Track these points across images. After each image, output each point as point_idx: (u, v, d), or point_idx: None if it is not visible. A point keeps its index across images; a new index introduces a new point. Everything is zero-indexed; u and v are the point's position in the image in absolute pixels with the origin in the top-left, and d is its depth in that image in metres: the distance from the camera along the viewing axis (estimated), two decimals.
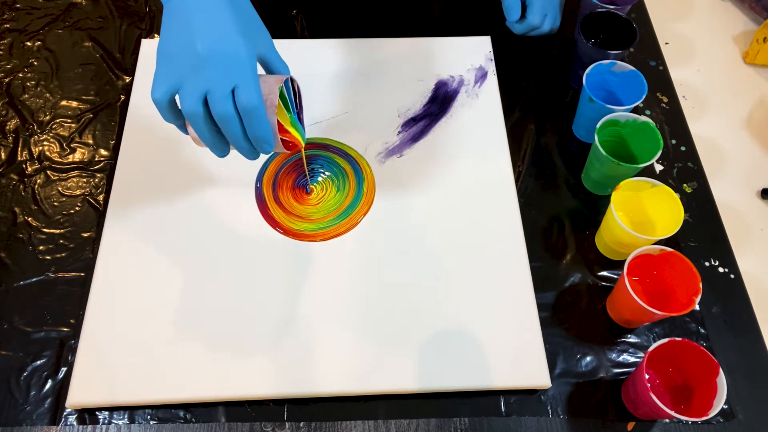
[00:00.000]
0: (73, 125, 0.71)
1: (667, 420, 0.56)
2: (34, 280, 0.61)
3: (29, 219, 0.65)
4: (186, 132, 0.51)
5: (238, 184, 0.66)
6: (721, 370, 0.50)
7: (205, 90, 0.45)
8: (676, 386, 0.55)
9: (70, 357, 0.57)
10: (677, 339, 0.51)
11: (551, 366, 0.58)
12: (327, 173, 0.67)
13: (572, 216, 0.67)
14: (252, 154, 0.50)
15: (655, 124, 0.63)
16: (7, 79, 0.75)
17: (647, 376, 0.53)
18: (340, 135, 0.69)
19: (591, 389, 0.58)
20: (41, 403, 0.56)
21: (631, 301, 0.53)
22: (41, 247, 0.63)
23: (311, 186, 0.66)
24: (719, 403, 0.49)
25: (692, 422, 0.56)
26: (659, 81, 0.78)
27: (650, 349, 0.50)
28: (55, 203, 0.66)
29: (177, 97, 0.47)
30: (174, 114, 0.49)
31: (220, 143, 0.49)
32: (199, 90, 0.45)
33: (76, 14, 0.81)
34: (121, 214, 0.63)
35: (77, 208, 0.66)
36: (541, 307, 0.61)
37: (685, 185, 0.70)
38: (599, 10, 0.71)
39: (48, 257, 0.63)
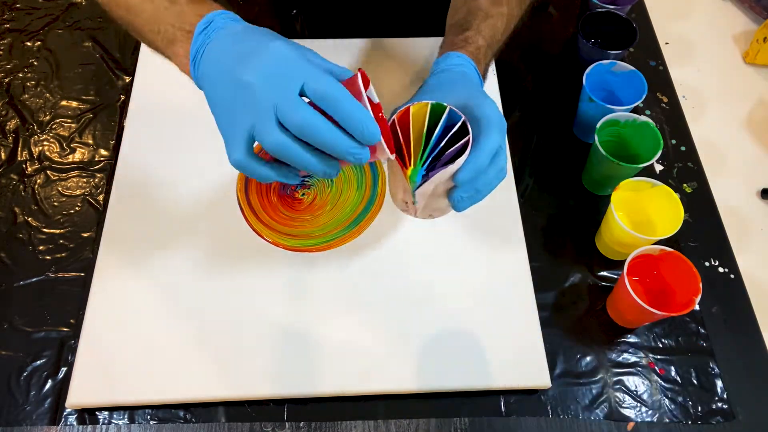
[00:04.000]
0: (73, 125, 0.71)
1: (667, 420, 0.56)
2: (34, 280, 0.61)
3: (29, 219, 0.65)
4: (297, 180, 0.46)
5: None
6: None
7: (274, 111, 0.40)
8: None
9: (70, 357, 0.57)
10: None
11: (551, 366, 0.58)
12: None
13: (572, 216, 0.67)
14: (357, 148, 0.41)
15: (655, 124, 0.63)
16: (7, 79, 0.75)
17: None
18: None
19: (591, 389, 0.58)
20: (41, 403, 0.56)
21: (631, 301, 0.53)
22: (41, 247, 0.63)
23: (306, 192, 0.63)
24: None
25: (692, 423, 0.56)
26: (659, 81, 0.78)
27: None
28: (55, 203, 0.66)
29: (255, 146, 0.44)
30: (265, 165, 0.44)
31: (324, 159, 0.43)
32: (269, 115, 0.40)
33: (76, 14, 0.81)
34: (121, 214, 0.63)
35: (77, 208, 0.66)
36: (541, 307, 0.61)
37: (685, 185, 0.70)
38: (599, 10, 0.71)
39: (48, 257, 0.63)
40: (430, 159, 0.47)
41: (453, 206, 0.49)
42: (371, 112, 0.41)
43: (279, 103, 0.40)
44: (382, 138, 0.42)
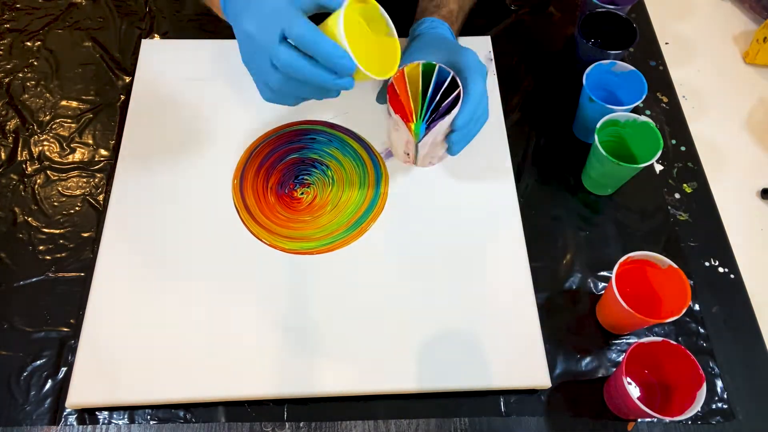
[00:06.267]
0: (73, 125, 0.71)
1: (667, 420, 0.56)
2: (34, 280, 0.61)
3: (29, 219, 0.65)
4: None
5: None
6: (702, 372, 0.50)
7: (268, 55, 0.47)
8: (653, 384, 0.56)
9: (70, 357, 0.57)
10: (657, 339, 0.51)
11: (551, 366, 0.58)
12: (331, 161, 0.64)
13: (572, 216, 0.67)
14: (336, 80, 0.48)
15: (655, 124, 0.63)
16: (7, 79, 0.75)
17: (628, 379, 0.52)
18: None
19: (591, 389, 0.58)
20: (41, 403, 0.56)
21: (622, 309, 0.53)
22: (41, 247, 0.63)
23: (305, 191, 0.63)
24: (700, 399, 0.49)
25: (692, 423, 0.56)
26: (659, 81, 0.78)
27: (628, 350, 0.51)
28: (55, 203, 0.66)
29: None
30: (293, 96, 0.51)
31: (318, 91, 0.50)
32: (266, 59, 0.47)
33: (76, 14, 0.81)
34: (121, 214, 0.63)
35: (77, 208, 0.66)
36: (541, 307, 0.61)
37: (685, 185, 0.70)
38: (599, 10, 0.71)
39: (48, 257, 0.63)
40: (428, 112, 0.55)
41: (449, 149, 0.57)
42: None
43: (268, 49, 0.47)
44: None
